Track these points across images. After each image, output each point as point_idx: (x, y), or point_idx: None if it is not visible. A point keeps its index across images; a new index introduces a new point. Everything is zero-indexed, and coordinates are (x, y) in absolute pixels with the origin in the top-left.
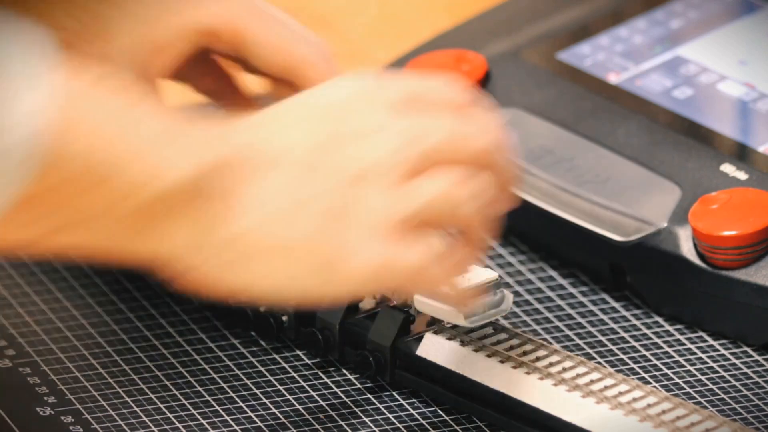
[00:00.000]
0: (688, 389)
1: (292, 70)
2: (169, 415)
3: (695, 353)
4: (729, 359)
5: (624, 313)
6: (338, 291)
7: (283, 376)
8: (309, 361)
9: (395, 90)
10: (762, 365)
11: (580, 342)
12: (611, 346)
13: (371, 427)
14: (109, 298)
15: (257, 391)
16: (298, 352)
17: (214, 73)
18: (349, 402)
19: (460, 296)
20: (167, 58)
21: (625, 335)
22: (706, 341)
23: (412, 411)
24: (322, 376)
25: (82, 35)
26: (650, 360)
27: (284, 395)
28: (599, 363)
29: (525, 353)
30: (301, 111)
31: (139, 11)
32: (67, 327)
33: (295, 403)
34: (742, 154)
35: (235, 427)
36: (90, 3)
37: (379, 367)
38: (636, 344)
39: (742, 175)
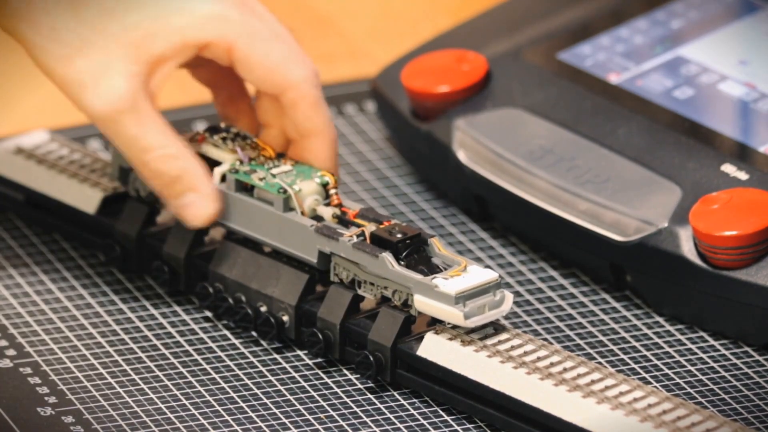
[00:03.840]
0: (689, 389)
1: (280, 91)
2: (169, 415)
3: (696, 353)
4: (729, 359)
5: (624, 313)
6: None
7: (283, 376)
8: (310, 361)
9: None
10: (762, 365)
11: (581, 342)
12: (612, 346)
13: (372, 427)
14: (110, 298)
15: (257, 391)
16: (299, 352)
17: (208, 63)
18: (349, 402)
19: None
20: (166, 68)
21: (626, 335)
22: (706, 341)
23: (412, 411)
24: (323, 376)
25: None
26: (651, 360)
27: (285, 395)
28: (600, 363)
29: (526, 353)
30: None
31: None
32: (68, 327)
33: (295, 403)
34: (742, 154)
35: (236, 427)
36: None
37: (379, 367)
38: (636, 344)
39: (742, 175)
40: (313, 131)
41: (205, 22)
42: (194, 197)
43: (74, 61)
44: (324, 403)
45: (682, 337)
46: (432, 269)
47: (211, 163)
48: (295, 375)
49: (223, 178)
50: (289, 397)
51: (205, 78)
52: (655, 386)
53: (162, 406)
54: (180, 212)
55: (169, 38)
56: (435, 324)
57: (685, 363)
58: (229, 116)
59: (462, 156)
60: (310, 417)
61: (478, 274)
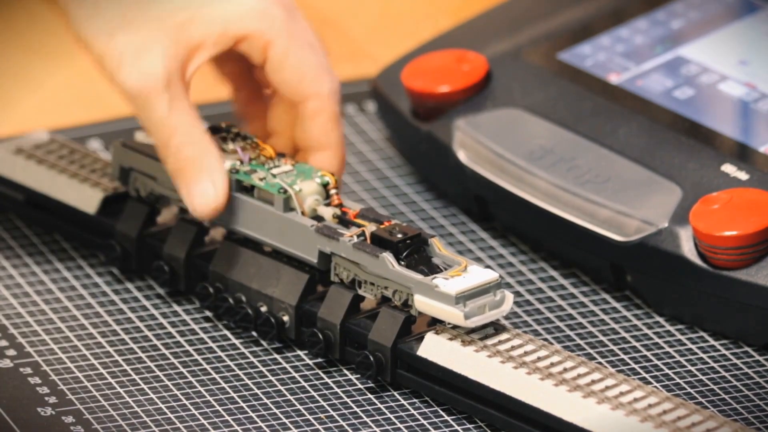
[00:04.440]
0: (689, 389)
1: (303, 99)
2: (169, 415)
3: (696, 353)
4: (730, 359)
5: (625, 313)
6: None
7: (283, 376)
8: (310, 362)
9: None
10: (762, 365)
11: (581, 342)
12: (612, 347)
13: (372, 427)
14: (110, 298)
15: (258, 391)
16: (299, 352)
17: (236, 59)
18: (349, 402)
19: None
20: (202, 55)
21: (626, 335)
22: (706, 341)
23: (412, 411)
24: (323, 376)
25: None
26: (651, 360)
27: (285, 395)
28: (600, 363)
29: (526, 353)
30: None
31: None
32: (68, 327)
33: (295, 403)
34: (742, 154)
35: (236, 427)
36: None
37: (379, 367)
38: (637, 344)
39: (743, 176)
40: (326, 145)
41: (248, 15)
42: (205, 186)
43: (115, 37)
44: (324, 403)
45: (682, 337)
46: (432, 269)
47: None
48: (295, 375)
49: None
50: (289, 397)
51: (229, 74)
52: (656, 386)
53: (162, 406)
54: (188, 200)
55: (210, 26)
56: (435, 324)
57: (685, 363)
58: (247, 115)
59: (462, 156)
60: (310, 417)
61: (478, 274)
